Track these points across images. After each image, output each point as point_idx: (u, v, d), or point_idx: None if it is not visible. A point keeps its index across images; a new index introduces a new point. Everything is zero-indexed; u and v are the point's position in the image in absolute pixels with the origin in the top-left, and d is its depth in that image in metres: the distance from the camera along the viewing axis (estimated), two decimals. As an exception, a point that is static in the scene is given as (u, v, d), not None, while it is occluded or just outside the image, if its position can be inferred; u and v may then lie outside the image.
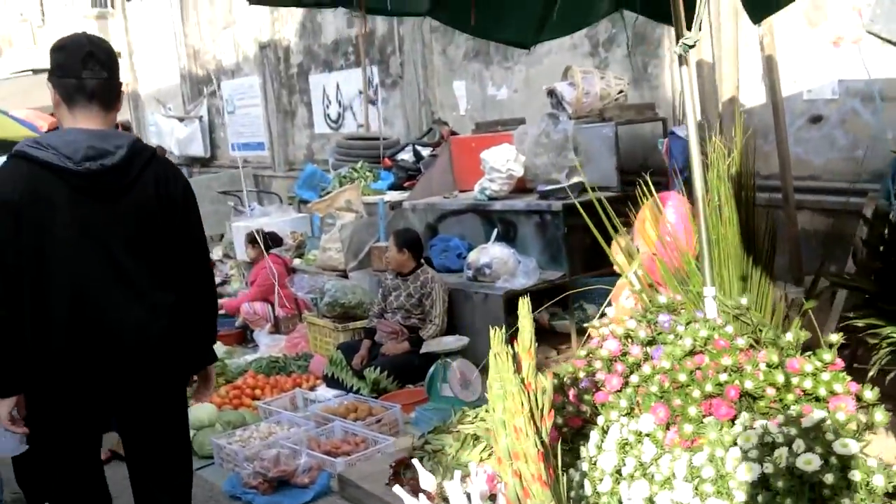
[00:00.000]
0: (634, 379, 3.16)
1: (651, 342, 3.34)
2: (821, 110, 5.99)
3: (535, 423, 2.66)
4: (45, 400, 2.88)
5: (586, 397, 3.25)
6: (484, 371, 5.90)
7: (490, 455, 3.85)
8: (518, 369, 2.72)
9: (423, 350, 5.27)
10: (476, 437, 4.04)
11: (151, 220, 2.93)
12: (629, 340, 3.36)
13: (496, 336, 2.73)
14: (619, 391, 3.17)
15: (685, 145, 6.58)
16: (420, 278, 6.05)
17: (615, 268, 4.86)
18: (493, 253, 6.13)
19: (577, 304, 6.76)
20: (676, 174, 6.49)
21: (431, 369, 5.20)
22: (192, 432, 5.07)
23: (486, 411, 4.29)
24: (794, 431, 2.67)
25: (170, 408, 3.11)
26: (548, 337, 6.61)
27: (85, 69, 2.84)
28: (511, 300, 5.94)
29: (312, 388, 6.11)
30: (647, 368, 3.18)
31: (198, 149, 14.44)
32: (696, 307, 3.63)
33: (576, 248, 6.25)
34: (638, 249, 4.27)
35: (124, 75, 17.84)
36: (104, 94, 2.90)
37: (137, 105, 17.39)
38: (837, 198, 5.85)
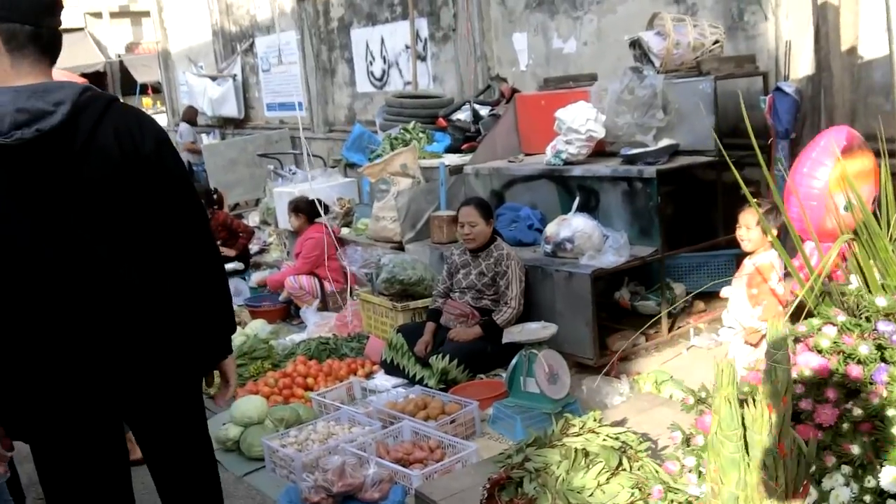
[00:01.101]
0: (856, 411, 2.35)
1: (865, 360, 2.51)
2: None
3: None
4: (23, 407, 2.37)
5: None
6: (572, 363, 5.20)
7: (609, 479, 3.14)
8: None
9: (505, 339, 4.55)
10: (586, 454, 3.33)
11: (118, 188, 2.30)
12: (841, 356, 2.51)
13: (724, 371, 1.95)
14: (834, 427, 2.38)
15: (793, 103, 5.80)
16: (494, 254, 5.32)
17: (746, 243, 4.10)
18: (575, 225, 5.37)
19: (660, 283, 6.02)
20: (780, 136, 5.71)
21: (515, 360, 4.49)
22: (239, 430, 4.41)
23: (595, 420, 3.58)
24: None
25: (174, 414, 2.55)
26: (630, 319, 5.87)
27: (46, 15, 2.28)
28: (598, 280, 5.20)
29: (369, 375, 5.43)
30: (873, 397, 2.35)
31: (231, 109, 13.74)
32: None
33: (670, 220, 5.49)
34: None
35: (154, 32, 17.25)
36: (56, 46, 2.33)
37: (168, 64, 16.71)
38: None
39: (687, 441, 2.67)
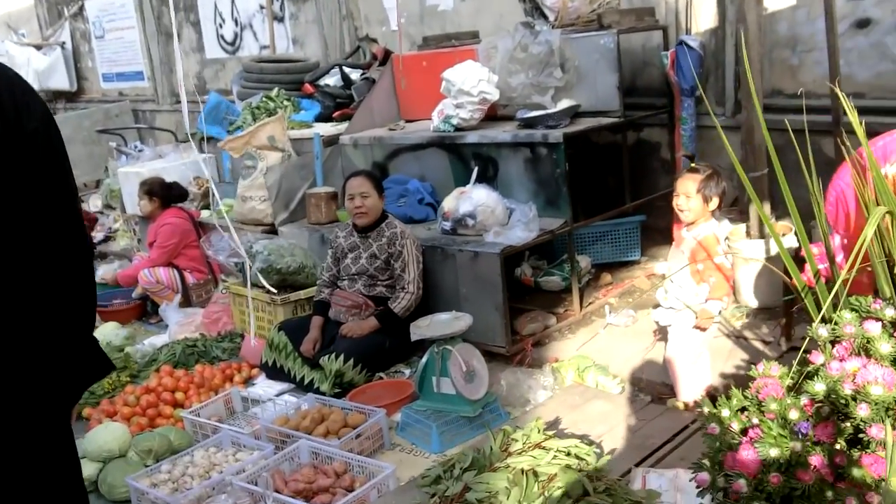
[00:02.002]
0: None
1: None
2: (869, 12, 4.86)
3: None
4: None
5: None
6: (482, 353, 4.62)
7: (576, 508, 2.58)
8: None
9: (414, 336, 3.92)
10: (536, 475, 2.76)
11: None
12: (865, 354, 2.00)
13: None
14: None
15: (697, 58, 5.39)
16: (386, 233, 4.67)
17: (686, 213, 3.61)
18: (476, 198, 4.79)
19: (564, 256, 5.55)
20: (685, 94, 5.30)
21: (425, 358, 3.88)
22: (96, 467, 3.60)
23: (539, 431, 3.01)
24: None
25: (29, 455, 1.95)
26: (535, 297, 5.37)
27: None
28: (508, 259, 4.64)
29: (248, 381, 4.70)
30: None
31: (61, 81, 12.38)
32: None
33: (577, 188, 4.99)
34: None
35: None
36: None
37: (-17, 32, 14.96)
38: (889, 119, 4.77)
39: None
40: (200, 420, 4.00)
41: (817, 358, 1.93)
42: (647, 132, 5.94)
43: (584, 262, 5.43)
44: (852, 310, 2.04)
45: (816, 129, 4.94)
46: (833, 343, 1.99)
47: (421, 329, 3.90)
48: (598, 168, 5.83)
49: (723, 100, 5.48)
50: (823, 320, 2.04)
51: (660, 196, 5.65)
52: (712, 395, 3.75)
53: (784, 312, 4.15)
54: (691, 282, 3.58)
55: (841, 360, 1.88)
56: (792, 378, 2.01)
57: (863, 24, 4.92)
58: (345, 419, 3.78)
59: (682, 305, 3.61)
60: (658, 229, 5.90)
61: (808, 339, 2.04)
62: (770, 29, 5.22)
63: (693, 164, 3.64)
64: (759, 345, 4.26)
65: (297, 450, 3.57)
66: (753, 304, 4.67)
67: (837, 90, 4.05)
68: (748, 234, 4.97)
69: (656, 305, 4.83)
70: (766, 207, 4.87)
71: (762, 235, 4.86)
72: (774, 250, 4.75)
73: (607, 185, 5.81)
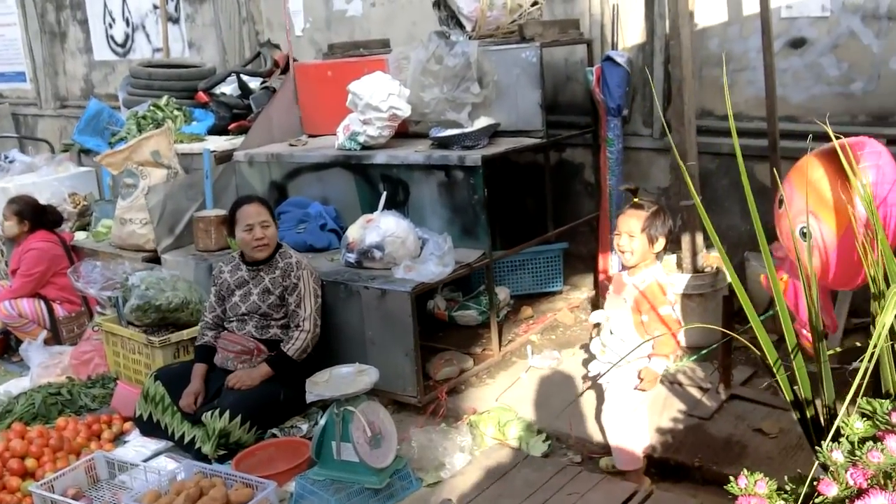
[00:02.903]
0: None
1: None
2: (804, 32, 4.56)
3: None
4: None
5: None
6: (387, 402, 4.10)
7: None
8: None
9: (309, 398, 3.35)
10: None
11: None
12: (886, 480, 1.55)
13: None
14: None
15: (624, 76, 4.99)
16: (280, 264, 4.10)
17: (627, 256, 3.18)
18: (384, 227, 4.27)
19: (481, 288, 5.09)
20: (612, 114, 4.90)
21: (323, 420, 3.32)
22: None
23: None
24: None
25: None
26: (450, 333, 4.89)
27: None
28: (421, 296, 4.14)
29: (118, 438, 4.08)
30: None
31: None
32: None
33: (497, 216, 4.53)
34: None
35: None
36: None
37: None
38: (821, 145, 4.46)
39: None
40: (54, 497, 3.35)
41: (829, 489, 1.47)
42: (570, 153, 5.52)
43: (502, 293, 4.97)
44: (863, 416, 1.60)
45: (749, 153, 4.63)
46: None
47: (318, 387, 3.34)
48: (519, 193, 5.40)
49: (650, 120, 5.10)
50: (836, 436, 1.59)
51: (583, 222, 5.25)
52: (651, 458, 3.33)
53: (722, 356, 3.76)
54: (634, 335, 3.13)
55: (861, 497, 1.42)
56: (784, 500, 1.55)
57: (797, 43, 4.61)
58: (227, 496, 3.20)
59: (623, 362, 3.15)
60: (581, 257, 5.50)
61: (815, 466, 1.57)
62: (700, 45, 4.87)
63: (636, 200, 3.19)
64: (695, 392, 3.87)
65: (167, 536, 2.98)
66: (683, 343, 4.29)
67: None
68: (679, 265, 4.59)
69: (584, 346, 4.41)
70: (699, 238, 4.51)
71: (695, 269, 4.49)
72: (709, 285, 4.40)
73: (529, 211, 5.38)
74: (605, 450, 3.48)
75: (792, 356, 2.06)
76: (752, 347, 2.20)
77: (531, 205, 5.39)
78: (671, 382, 3.96)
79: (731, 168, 4.77)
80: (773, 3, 4.34)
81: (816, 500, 1.46)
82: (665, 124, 5.02)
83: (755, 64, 4.66)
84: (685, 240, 4.48)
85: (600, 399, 3.71)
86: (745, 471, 1.60)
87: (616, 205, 4.86)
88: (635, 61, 5.05)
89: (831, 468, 1.50)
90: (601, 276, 4.98)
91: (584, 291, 5.38)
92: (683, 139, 4.25)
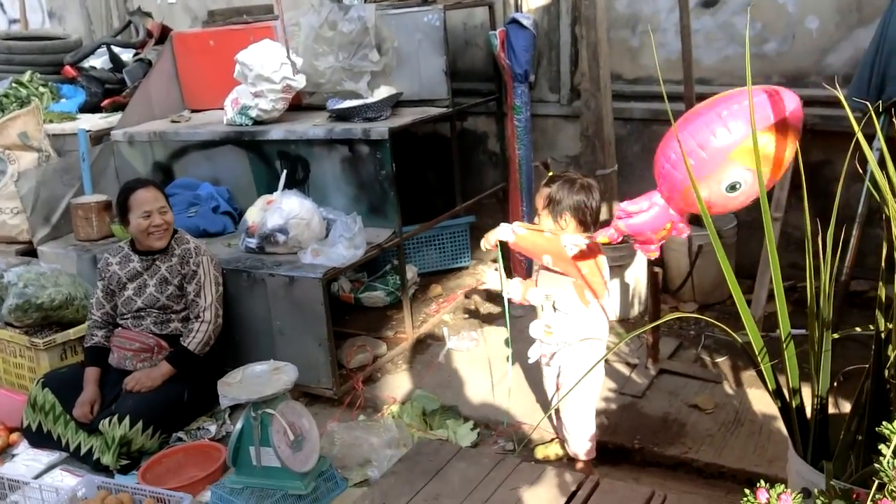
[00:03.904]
0: None
1: None
2: (716, -9, 4.49)
3: None
4: None
5: None
6: (298, 395, 3.85)
7: None
8: None
9: (224, 402, 3.06)
10: None
11: None
12: None
13: None
14: None
15: (530, 39, 4.81)
16: (176, 251, 3.76)
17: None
18: (287, 209, 3.98)
19: (387, 267, 4.88)
20: (518, 80, 4.73)
21: (239, 425, 3.05)
22: None
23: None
24: None
25: None
26: (357, 317, 4.67)
27: None
28: (331, 283, 3.89)
29: (3, 451, 3.69)
30: None
31: None
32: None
33: (405, 192, 4.30)
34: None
35: None
36: None
37: None
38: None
39: None
40: (-68, 531, 2.98)
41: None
42: (472, 122, 5.34)
43: (409, 272, 4.77)
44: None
45: (663, 118, 4.55)
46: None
47: (232, 389, 3.05)
48: (425, 166, 5.19)
49: (557, 86, 4.96)
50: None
51: (490, 194, 5.08)
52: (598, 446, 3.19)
53: (651, 331, 3.67)
54: (581, 308, 2.95)
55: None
56: None
57: (709, 2, 4.53)
58: (136, 514, 2.91)
59: (574, 338, 2.97)
60: (487, 230, 5.27)
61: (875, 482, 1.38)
62: (608, 6, 4.74)
63: (550, 174, 3.01)
64: (623, 368, 3.77)
65: (71, 567, 2.67)
66: (611, 317, 4.21)
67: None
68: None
69: (500, 323, 4.25)
70: (616, 208, 4.40)
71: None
72: (628, 255, 4.30)
73: (436, 185, 5.17)
74: (539, 437, 3.35)
75: (784, 345, 1.94)
76: (728, 330, 2.08)
77: (438, 178, 5.19)
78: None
79: (644, 133, 4.68)
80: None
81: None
82: (573, 89, 4.90)
83: (665, 25, 4.58)
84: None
85: (535, 384, 3.57)
86: (764, 483, 1.46)
87: (526, 175, 4.71)
88: (540, 24, 4.89)
89: (889, 484, 1.31)
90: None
91: (491, 267, 5.23)
92: (599, 105, 4.12)
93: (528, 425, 3.40)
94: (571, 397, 3.00)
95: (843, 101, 2.05)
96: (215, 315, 3.75)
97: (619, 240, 2.82)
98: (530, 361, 3.14)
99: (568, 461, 3.15)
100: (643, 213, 2.67)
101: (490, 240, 3.09)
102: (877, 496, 1.28)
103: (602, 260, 2.98)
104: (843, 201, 2.41)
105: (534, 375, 3.56)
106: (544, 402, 3.41)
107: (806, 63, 4.31)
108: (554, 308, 2.98)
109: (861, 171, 2.54)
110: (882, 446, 1.35)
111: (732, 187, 2.41)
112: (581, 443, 3.07)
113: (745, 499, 1.45)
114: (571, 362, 2.99)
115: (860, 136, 1.92)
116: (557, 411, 3.13)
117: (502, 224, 3.10)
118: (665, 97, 2.48)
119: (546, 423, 3.36)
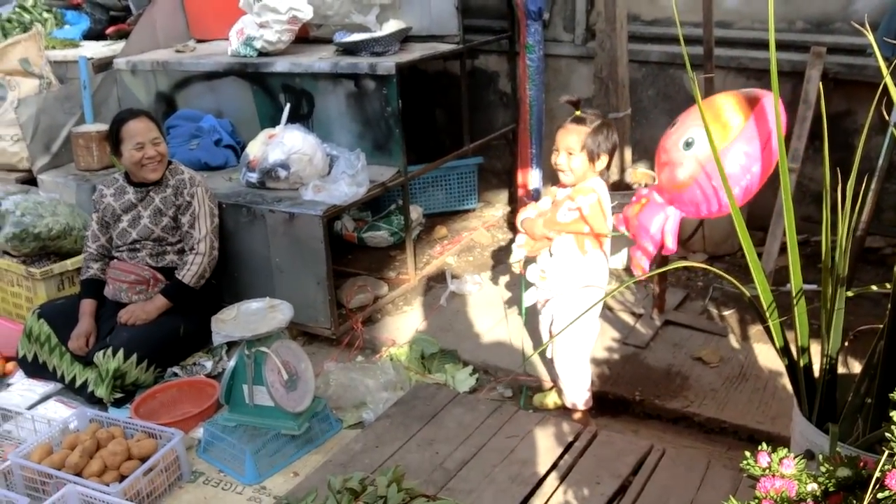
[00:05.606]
0: None
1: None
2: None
3: None
4: None
5: None
6: (297, 334, 3.80)
7: None
8: None
9: (217, 339, 3.00)
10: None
11: None
12: None
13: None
14: None
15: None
16: (171, 181, 3.68)
17: (566, 175, 2.92)
18: (289, 144, 3.88)
19: (392, 207, 4.79)
20: (532, 18, 4.57)
21: (232, 362, 3.00)
22: None
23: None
24: None
25: None
26: (360, 256, 4.60)
27: None
28: (332, 221, 3.81)
29: (0, 380, 3.66)
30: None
31: None
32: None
33: (411, 130, 4.19)
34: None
35: None
36: None
37: None
38: (758, 53, 4.27)
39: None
40: (-77, 459, 2.95)
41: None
42: (483, 60, 5.18)
43: (415, 213, 4.69)
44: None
45: (680, 62, 4.41)
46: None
47: (226, 326, 3.00)
48: (434, 104, 5.07)
49: (572, 25, 4.80)
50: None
51: (499, 135, 4.96)
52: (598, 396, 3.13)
53: (658, 279, 3.58)
54: (578, 256, 2.86)
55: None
56: (822, 483, 1.32)
57: (732, -60, 4.35)
58: (128, 448, 2.87)
59: (569, 285, 2.90)
60: (495, 172, 5.24)
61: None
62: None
63: (578, 113, 2.91)
64: (628, 318, 3.69)
65: (62, 500, 2.64)
66: (613, 265, 4.11)
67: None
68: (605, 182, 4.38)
69: (503, 267, 4.18)
70: (627, 153, 4.30)
71: (623, 185, 4.29)
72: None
73: (444, 124, 5.05)
74: (538, 384, 3.30)
75: (795, 301, 1.85)
76: (736, 283, 2.00)
77: (446, 117, 5.07)
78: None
79: (659, 77, 4.53)
80: None
81: (880, 496, 1.20)
82: (587, 29, 4.75)
83: (685, -37, 4.40)
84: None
85: (532, 330, 3.50)
86: (765, 446, 1.38)
87: (537, 117, 4.58)
88: (555, -40, 4.72)
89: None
90: (520, 192, 4.73)
91: (500, 209, 5.14)
92: (615, 46, 3.97)
93: (530, 376, 3.34)
94: (564, 346, 2.94)
95: (873, 43, 1.93)
96: (210, 247, 3.68)
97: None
98: (525, 306, 3.07)
99: (566, 410, 3.09)
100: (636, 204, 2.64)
101: (514, 265, 3.04)
102: (885, 467, 1.20)
103: (605, 200, 2.89)
104: (863, 153, 2.30)
105: (538, 325, 3.49)
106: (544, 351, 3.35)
107: (832, 7, 4.14)
108: (550, 253, 2.91)
109: (887, 117, 2.43)
110: (894, 413, 1.27)
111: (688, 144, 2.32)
112: (577, 392, 3.01)
113: (746, 462, 1.38)
114: (564, 311, 2.92)
115: (889, 80, 1.80)
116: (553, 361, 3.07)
117: (513, 246, 3.03)
118: (682, 40, 2.35)
119: (545, 371, 3.30)
